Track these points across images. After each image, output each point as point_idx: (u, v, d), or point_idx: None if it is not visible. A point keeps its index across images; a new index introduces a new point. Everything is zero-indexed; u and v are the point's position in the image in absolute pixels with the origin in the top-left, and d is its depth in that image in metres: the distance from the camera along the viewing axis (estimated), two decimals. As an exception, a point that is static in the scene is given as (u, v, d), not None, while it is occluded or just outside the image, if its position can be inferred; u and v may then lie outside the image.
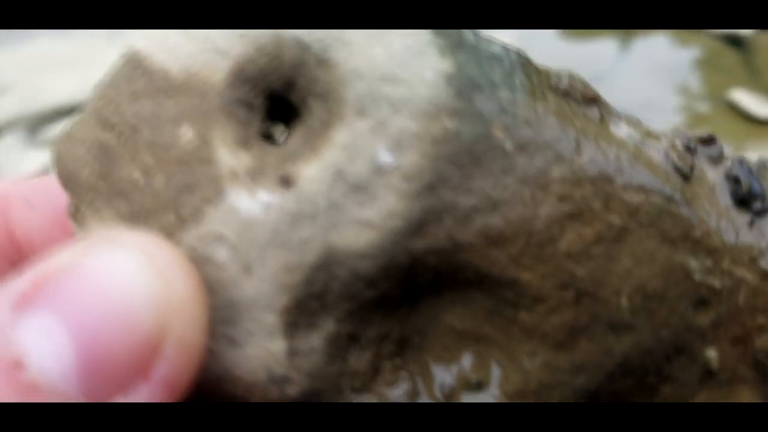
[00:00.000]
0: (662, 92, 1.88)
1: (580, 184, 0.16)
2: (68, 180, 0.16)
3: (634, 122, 0.18)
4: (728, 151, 0.18)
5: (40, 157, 1.35)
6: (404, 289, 0.16)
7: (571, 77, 0.17)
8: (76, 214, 0.16)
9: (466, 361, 0.17)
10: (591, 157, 0.16)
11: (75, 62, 1.63)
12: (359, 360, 0.16)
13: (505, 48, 0.16)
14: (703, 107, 1.83)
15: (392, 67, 0.15)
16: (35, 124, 1.43)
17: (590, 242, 0.16)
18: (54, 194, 0.17)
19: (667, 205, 0.16)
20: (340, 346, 0.16)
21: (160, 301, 0.13)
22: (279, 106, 0.16)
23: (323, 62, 0.15)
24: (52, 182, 0.17)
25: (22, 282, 0.13)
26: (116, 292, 0.13)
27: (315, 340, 0.15)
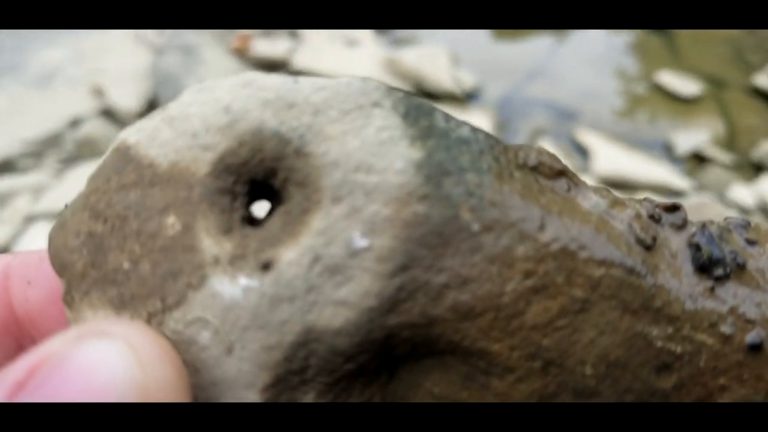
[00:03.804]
0: (600, 79, 1.94)
1: (544, 261, 0.16)
2: (61, 268, 0.17)
3: (602, 191, 0.18)
4: (692, 217, 0.19)
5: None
6: (382, 359, 0.17)
7: (540, 153, 0.18)
8: (68, 299, 0.17)
9: None
10: (554, 234, 0.17)
11: (4, 116, 1.58)
12: None
13: (474, 130, 0.17)
14: (639, 89, 1.91)
15: (366, 157, 0.16)
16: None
17: (555, 315, 0.16)
18: (51, 272, 0.18)
19: (628, 276, 0.17)
20: None
21: (141, 388, 0.14)
22: (261, 187, 0.17)
23: (302, 154, 0.16)
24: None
25: (17, 371, 0.14)
26: (100, 382, 0.14)
27: None
